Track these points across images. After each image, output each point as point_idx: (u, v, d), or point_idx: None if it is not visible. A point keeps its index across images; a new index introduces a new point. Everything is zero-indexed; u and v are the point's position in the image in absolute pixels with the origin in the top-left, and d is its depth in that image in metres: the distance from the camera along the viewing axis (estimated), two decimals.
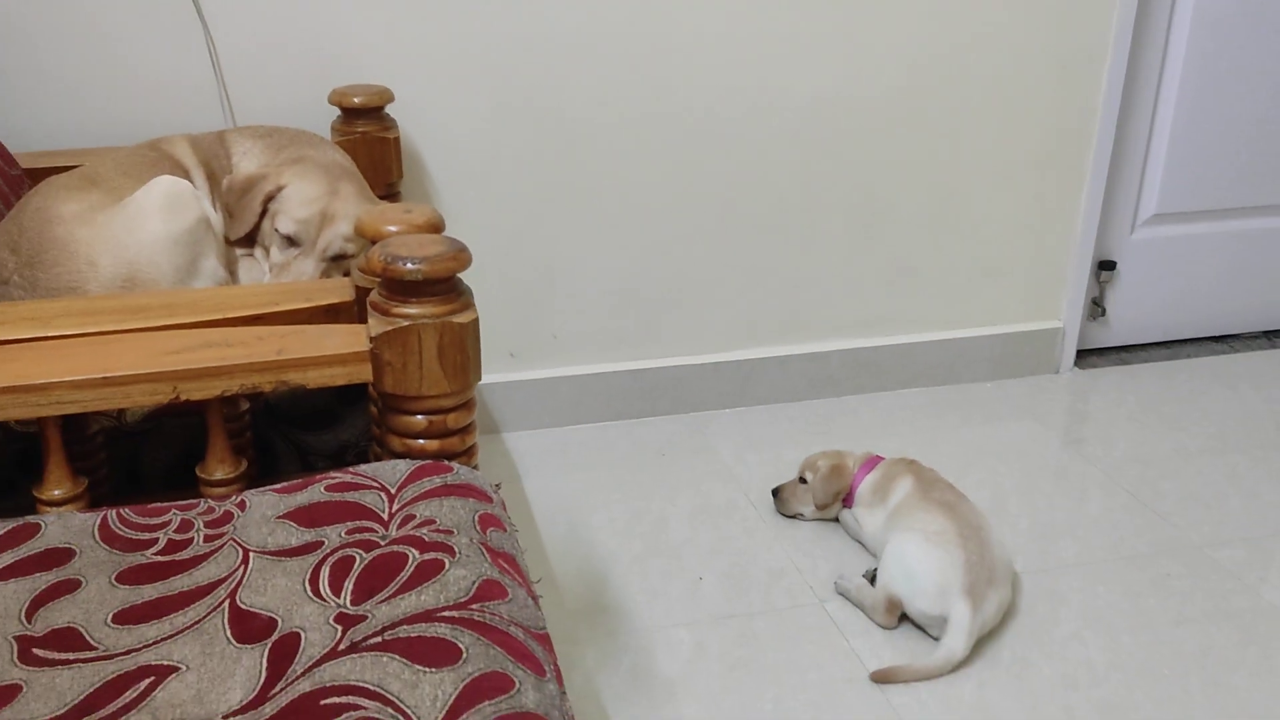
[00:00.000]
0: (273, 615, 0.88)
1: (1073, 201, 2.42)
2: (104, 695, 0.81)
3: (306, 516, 1.01)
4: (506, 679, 0.83)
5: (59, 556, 0.96)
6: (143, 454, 1.31)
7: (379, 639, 0.85)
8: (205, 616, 0.89)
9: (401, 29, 1.95)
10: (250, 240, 1.49)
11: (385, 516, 1.01)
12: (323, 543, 0.97)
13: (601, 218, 2.17)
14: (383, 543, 0.97)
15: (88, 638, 0.87)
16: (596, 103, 2.08)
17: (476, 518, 1.02)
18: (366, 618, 0.87)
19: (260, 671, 0.83)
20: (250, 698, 0.80)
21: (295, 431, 1.36)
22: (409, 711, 0.78)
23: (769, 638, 1.68)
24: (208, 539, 0.99)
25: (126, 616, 0.89)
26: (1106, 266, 2.56)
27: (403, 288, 1.08)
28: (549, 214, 2.14)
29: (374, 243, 1.16)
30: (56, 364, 1.06)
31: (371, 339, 1.09)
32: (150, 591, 0.92)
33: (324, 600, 0.90)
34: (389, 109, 1.92)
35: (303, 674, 0.82)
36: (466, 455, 1.16)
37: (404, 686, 0.80)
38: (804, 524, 1.97)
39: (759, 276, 2.30)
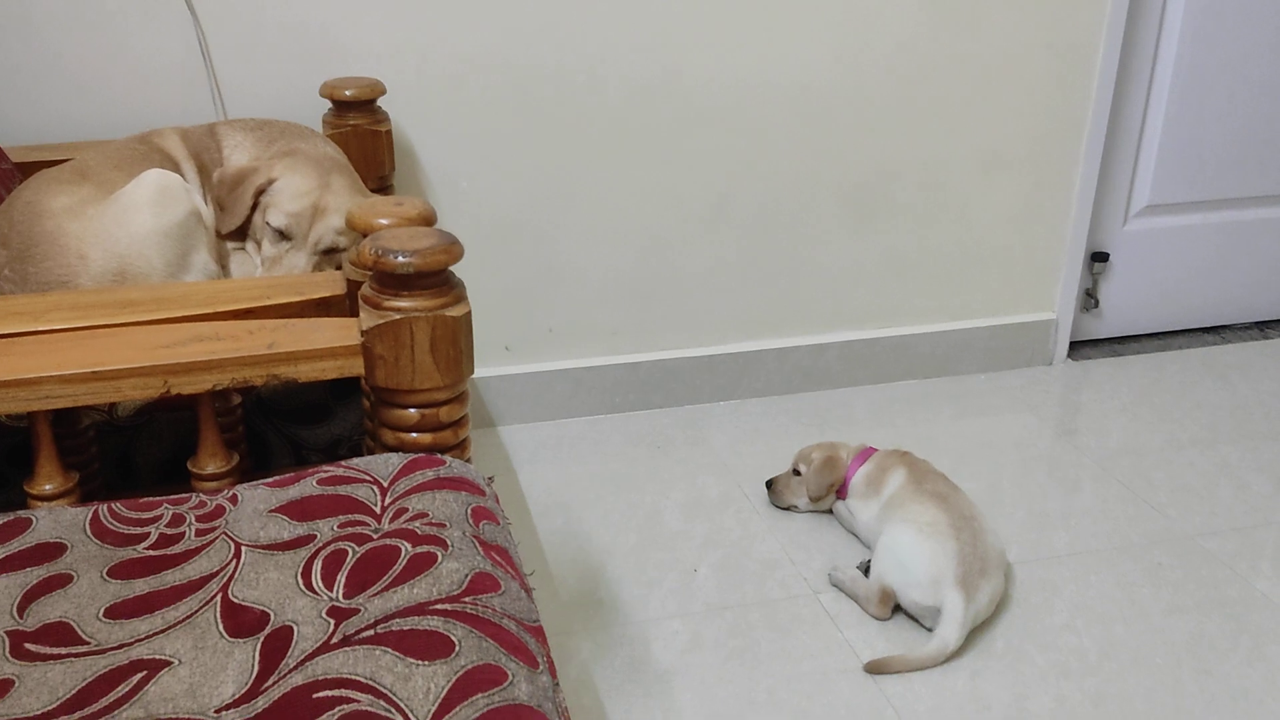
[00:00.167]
0: (265, 609, 0.88)
1: (1065, 193, 2.43)
2: (96, 690, 0.81)
3: (299, 510, 1.01)
4: (499, 671, 0.83)
5: (50, 551, 0.96)
6: (134, 448, 1.31)
7: (371, 632, 0.85)
8: (197, 611, 0.89)
9: (393, 21, 1.94)
10: (242, 234, 1.49)
11: (378, 510, 1.01)
12: (315, 536, 0.97)
13: (596, 212, 2.17)
14: (375, 536, 0.97)
15: (80, 632, 0.86)
16: (589, 95, 2.08)
17: (469, 511, 1.02)
18: (359, 611, 0.87)
19: (253, 665, 0.83)
20: (243, 691, 0.80)
21: (288, 425, 1.36)
22: (402, 704, 0.78)
23: (763, 629, 1.68)
24: (199, 533, 0.99)
25: (118, 611, 0.89)
26: (1099, 258, 2.56)
27: (394, 281, 1.08)
28: (542, 207, 2.14)
29: (365, 236, 1.16)
30: (47, 358, 1.05)
31: (363, 332, 1.08)
32: (142, 586, 0.92)
33: (316, 594, 0.90)
34: (381, 102, 1.92)
35: (295, 667, 0.82)
36: (459, 449, 1.16)
37: (397, 679, 0.80)
38: (798, 516, 1.97)
39: (753, 270, 2.30)
